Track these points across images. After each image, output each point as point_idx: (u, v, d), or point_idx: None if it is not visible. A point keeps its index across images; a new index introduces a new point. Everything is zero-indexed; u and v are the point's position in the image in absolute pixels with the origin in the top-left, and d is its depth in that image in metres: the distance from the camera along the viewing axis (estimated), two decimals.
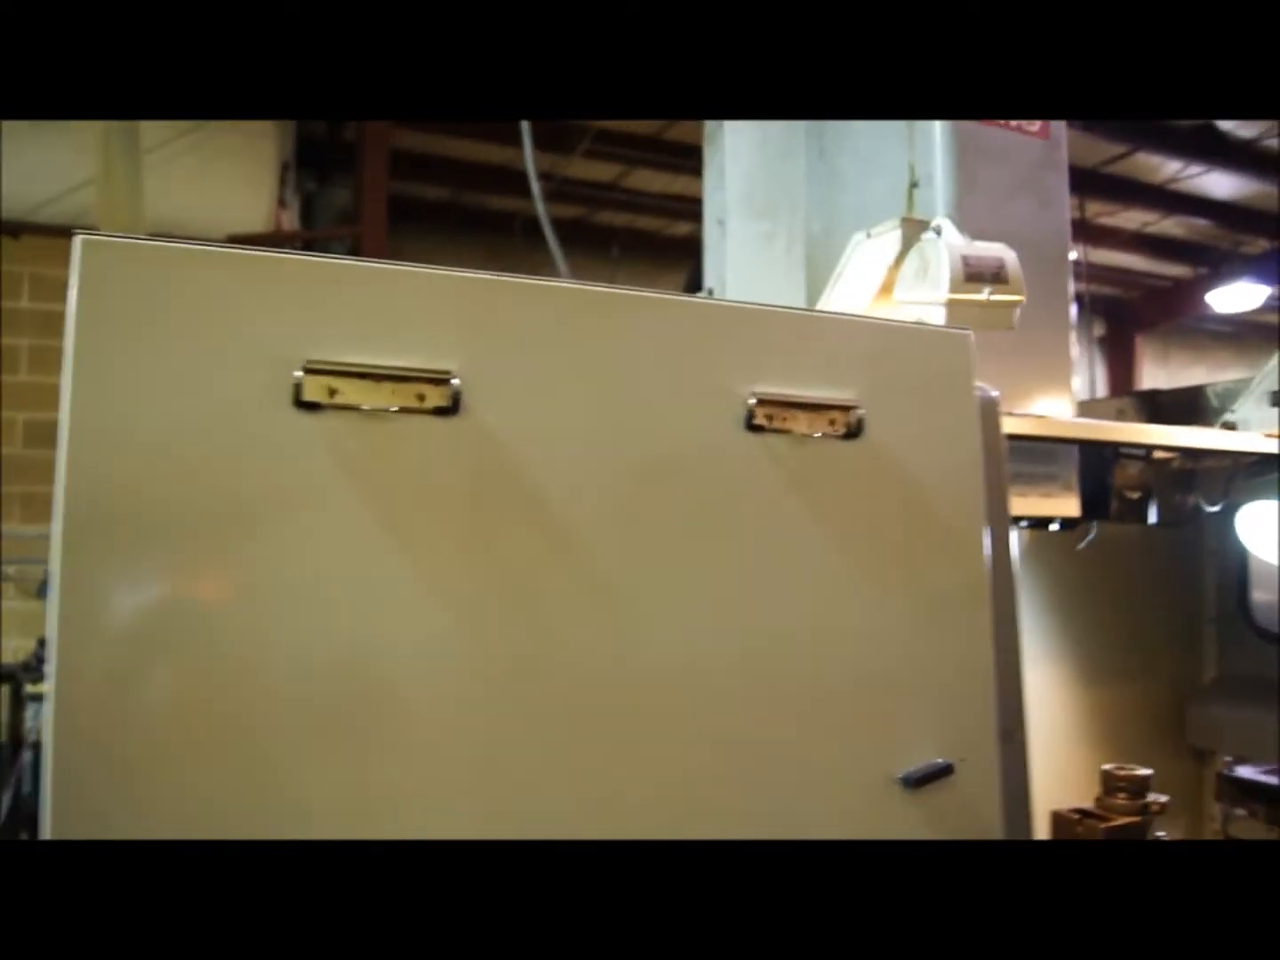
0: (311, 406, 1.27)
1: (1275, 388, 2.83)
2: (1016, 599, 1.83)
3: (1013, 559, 1.82)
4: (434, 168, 9.07)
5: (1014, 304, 1.99)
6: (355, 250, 7.01)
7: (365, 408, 1.31)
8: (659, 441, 1.44)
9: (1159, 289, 12.21)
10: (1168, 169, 9.67)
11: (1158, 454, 3.58)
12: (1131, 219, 10.52)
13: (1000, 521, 1.76)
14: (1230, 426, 2.91)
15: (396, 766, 1.30)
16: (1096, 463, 3.01)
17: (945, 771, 1.51)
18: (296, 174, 7.58)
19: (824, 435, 1.51)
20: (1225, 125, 8.47)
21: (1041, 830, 2.91)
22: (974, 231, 2.31)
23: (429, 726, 1.32)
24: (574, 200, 9.29)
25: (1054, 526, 2.88)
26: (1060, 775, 4.05)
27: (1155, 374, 12.67)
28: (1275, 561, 3.49)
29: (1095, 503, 2.99)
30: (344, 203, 7.82)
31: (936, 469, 1.62)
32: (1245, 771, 4.16)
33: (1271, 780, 4.00)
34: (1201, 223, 10.60)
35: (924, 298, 1.95)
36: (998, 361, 2.80)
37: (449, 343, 1.34)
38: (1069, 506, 2.77)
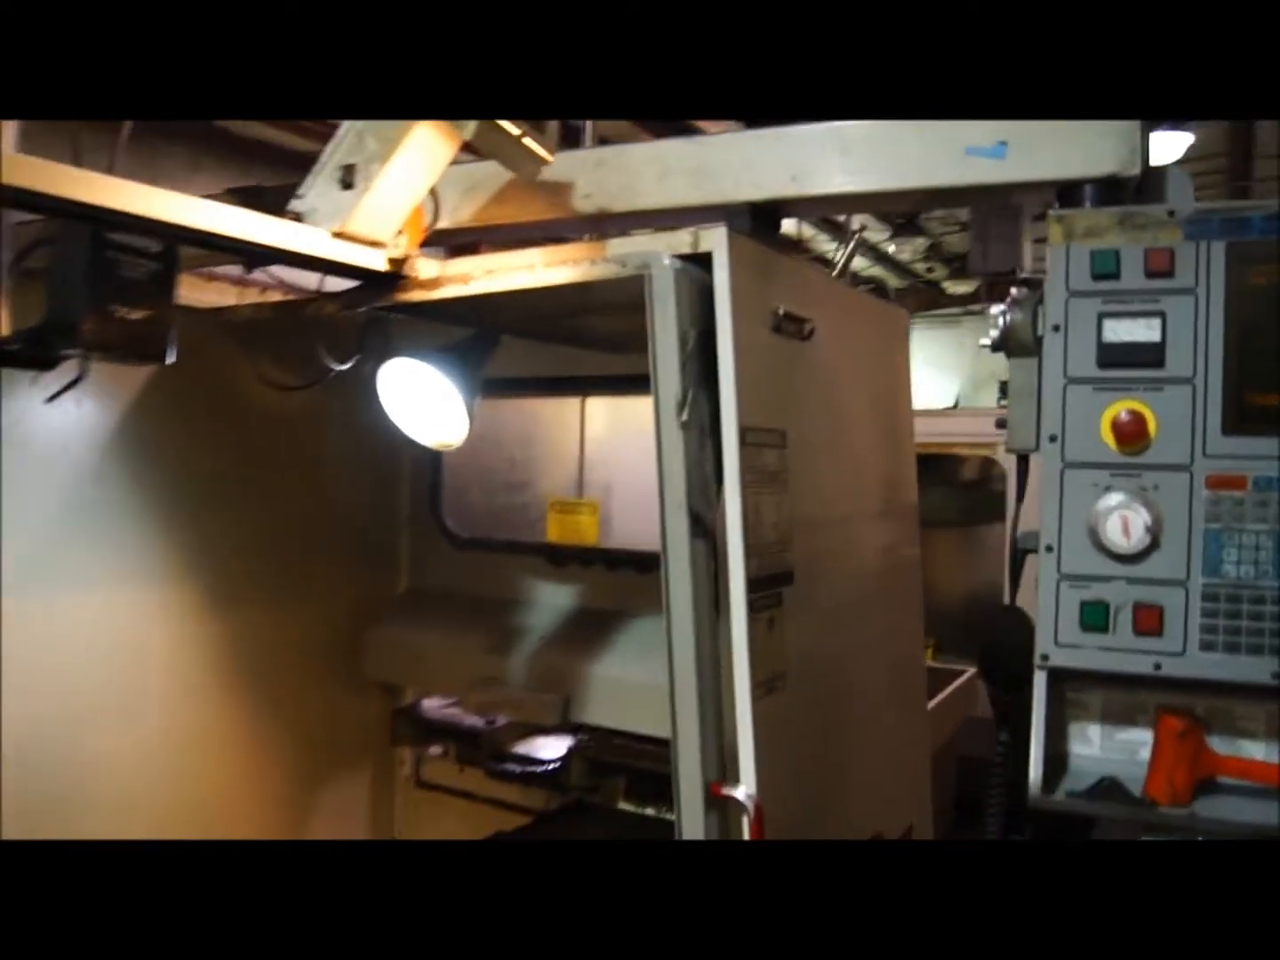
0: None
1: (346, 162, 1.72)
2: None
3: None
4: None
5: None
6: None
7: None
8: None
9: None
10: None
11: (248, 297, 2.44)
12: None
13: None
14: (297, 218, 1.77)
15: None
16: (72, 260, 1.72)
17: None
18: None
19: None
20: None
21: None
22: None
23: None
24: None
25: None
26: (190, 731, 2.83)
27: None
28: (411, 431, 2.51)
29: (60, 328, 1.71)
30: None
31: None
32: (429, 705, 3.29)
33: (455, 715, 3.15)
34: None
35: None
36: None
37: None
38: None
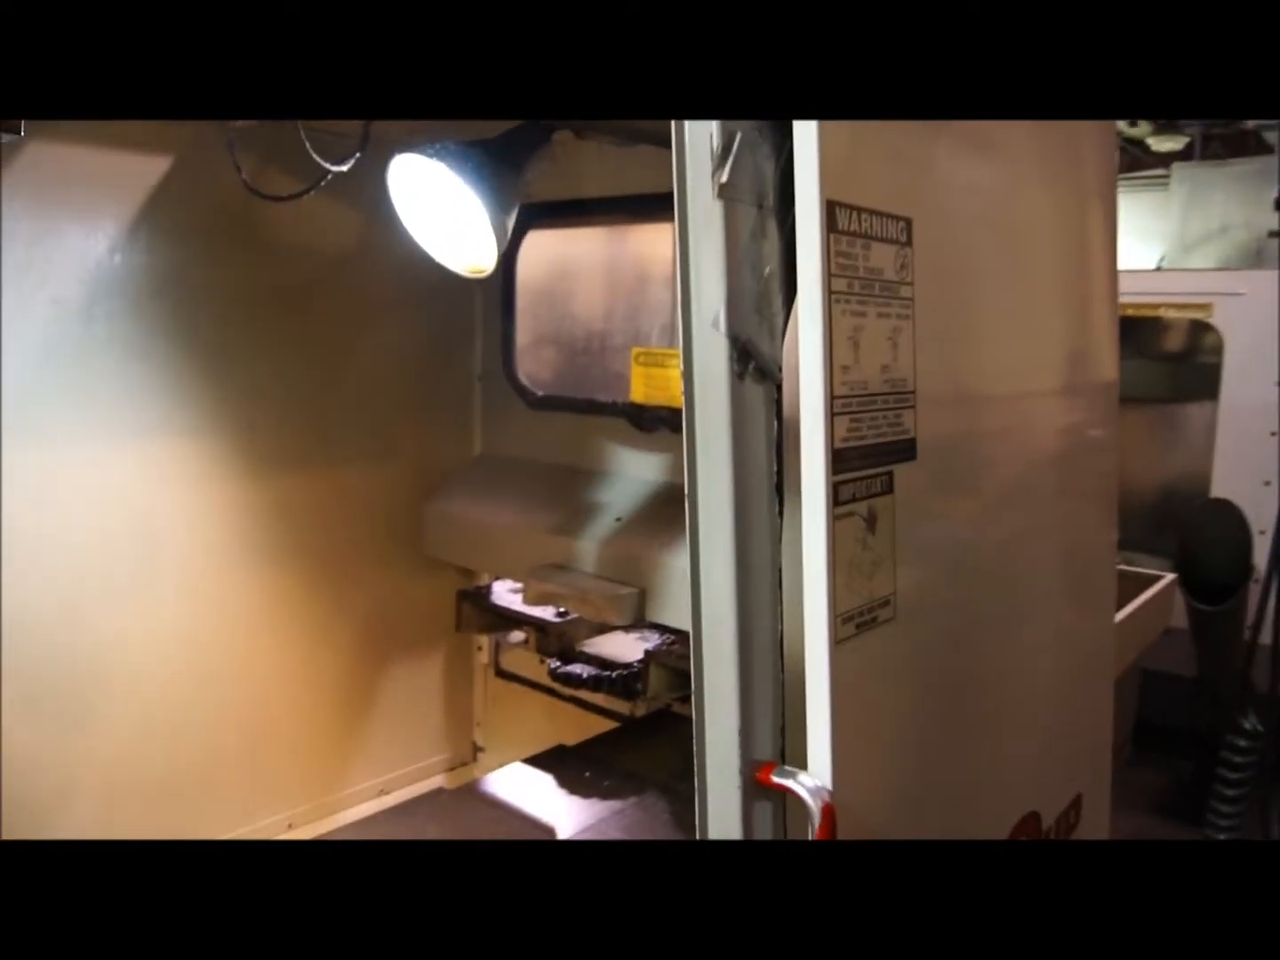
0: None
1: None
2: None
3: None
4: None
5: None
6: None
7: None
8: None
9: None
10: None
11: None
12: None
13: None
14: None
15: None
16: None
17: None
18: None
19: None
20: None
21: None
22: None
23: None
24: None
25: None
26: (220, 609, 2.41)
27: None
28: (432, 249, 1.90)
29: None
30: None
31: None
32: (499, 591, 2.78)
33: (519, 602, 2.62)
34: None
35: None
36: None
37: None
38: None
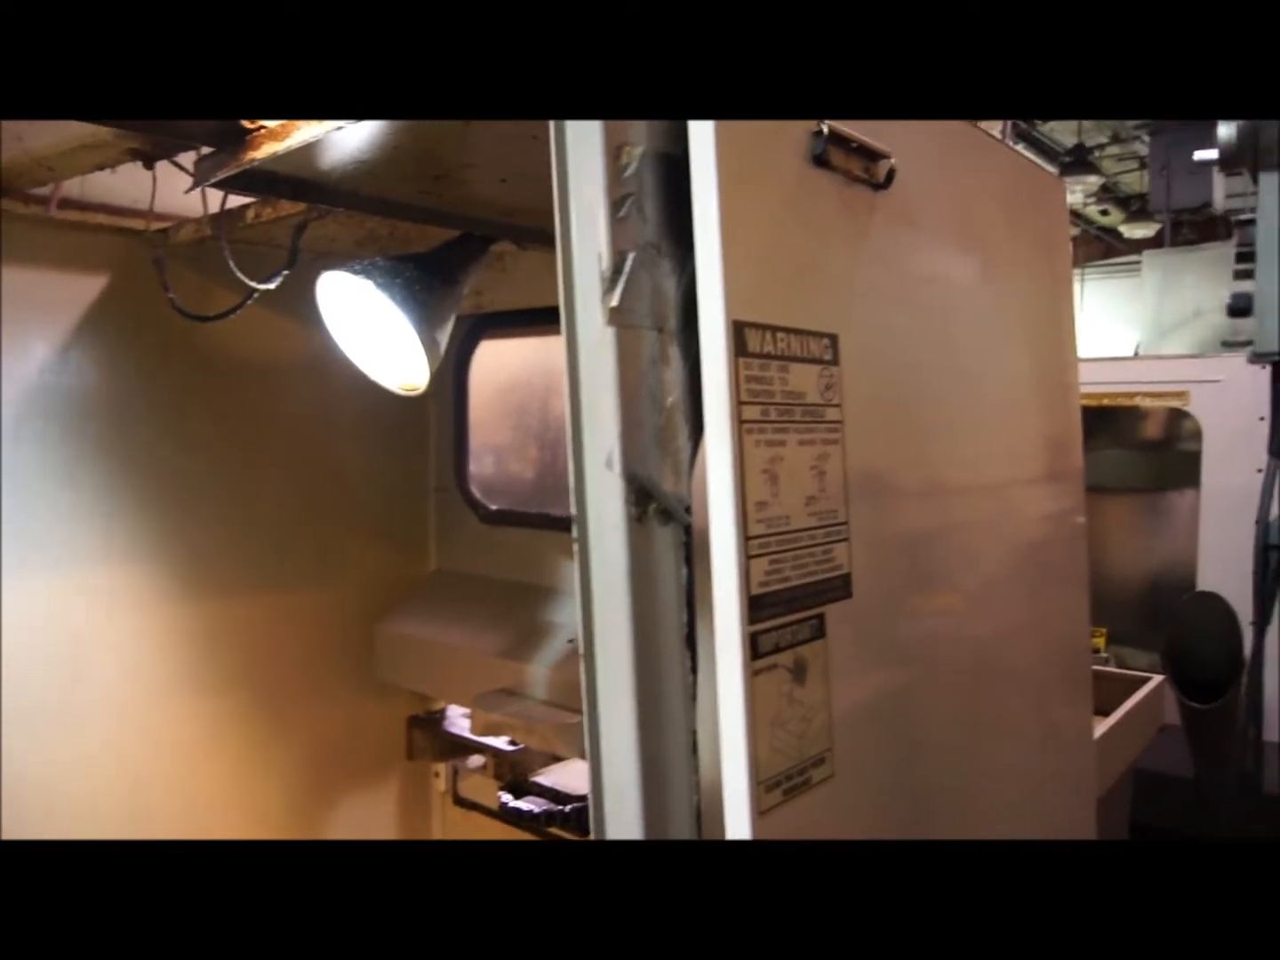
0: None
1: None
2: None
3: None
4: None
5: None
6: None
7: None
8: None
9: None
10: None
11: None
12: None
13: None
14: None
15: None
16: None
17: None
18: None
19: None
20: None
21: None
22: None
23: None
24: None
25: None
26: (153, 740, 2.26)
27: None
28: (366, 367, 1.82)
29: None
30: None
31: None
32: (454, 716, 2.63)
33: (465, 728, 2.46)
34: None
35: None
36: None
37: None
38: None
